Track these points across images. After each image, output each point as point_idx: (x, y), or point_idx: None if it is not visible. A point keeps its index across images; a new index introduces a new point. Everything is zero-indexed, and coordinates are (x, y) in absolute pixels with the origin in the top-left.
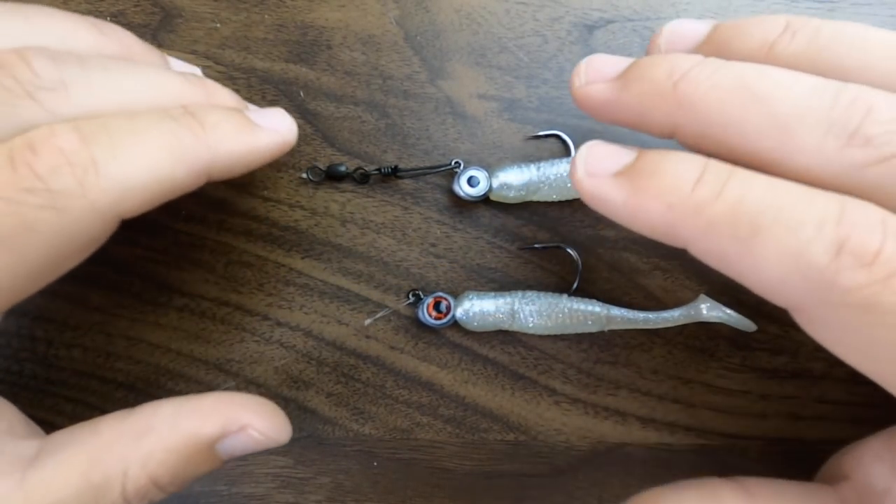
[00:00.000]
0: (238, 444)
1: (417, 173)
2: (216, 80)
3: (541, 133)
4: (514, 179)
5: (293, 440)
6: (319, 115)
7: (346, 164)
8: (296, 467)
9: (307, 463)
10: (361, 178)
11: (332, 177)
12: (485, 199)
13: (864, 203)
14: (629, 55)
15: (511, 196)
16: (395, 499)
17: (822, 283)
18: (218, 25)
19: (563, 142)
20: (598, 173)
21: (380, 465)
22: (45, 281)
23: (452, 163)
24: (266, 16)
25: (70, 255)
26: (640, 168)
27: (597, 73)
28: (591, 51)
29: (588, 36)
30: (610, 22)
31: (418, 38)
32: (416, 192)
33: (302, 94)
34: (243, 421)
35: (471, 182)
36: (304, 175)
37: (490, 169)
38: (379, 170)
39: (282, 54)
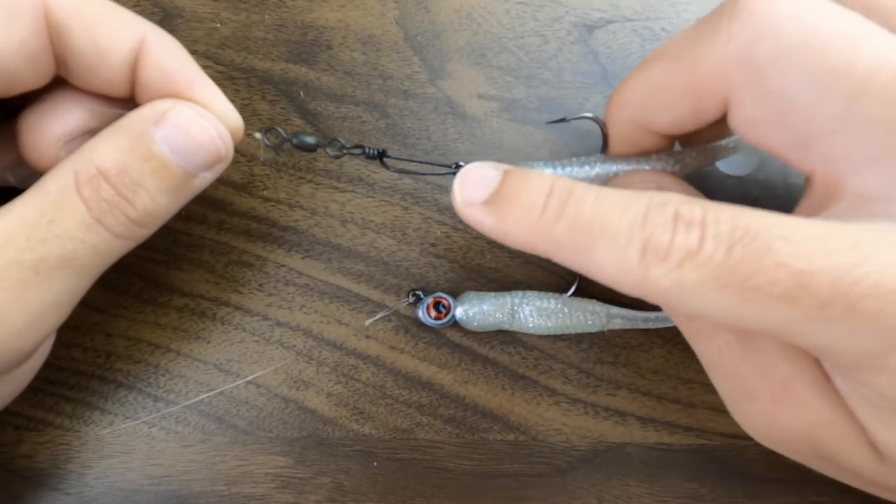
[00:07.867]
0: (172, 133)
1: (411, 161)
2: (216, 80)
3: (570, 118)
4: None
5: (293, 440)
6: (319, 115)
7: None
8: (296, 467)
9: (307, 463)
10: (335, 154)
11: (301, 148)
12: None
13: (665, 201)
14: (629, 55)
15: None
16: (395, 499)
17: (640, 279)
18: (218, 25)
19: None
20: (471, 202)
21: (380, 465)
22: None
23: (454, 165)
24: (266, 16)
25: None
26: (501, 195)
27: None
28: (590, 51)
29: (588, 36)
30: (610, 22)
31: (418, 38)
32: (416, 192)
33: (302, 94)
34: (170, 104)
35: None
36: (258, 136)
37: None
38: (363, 149)
39: (282, 54)
